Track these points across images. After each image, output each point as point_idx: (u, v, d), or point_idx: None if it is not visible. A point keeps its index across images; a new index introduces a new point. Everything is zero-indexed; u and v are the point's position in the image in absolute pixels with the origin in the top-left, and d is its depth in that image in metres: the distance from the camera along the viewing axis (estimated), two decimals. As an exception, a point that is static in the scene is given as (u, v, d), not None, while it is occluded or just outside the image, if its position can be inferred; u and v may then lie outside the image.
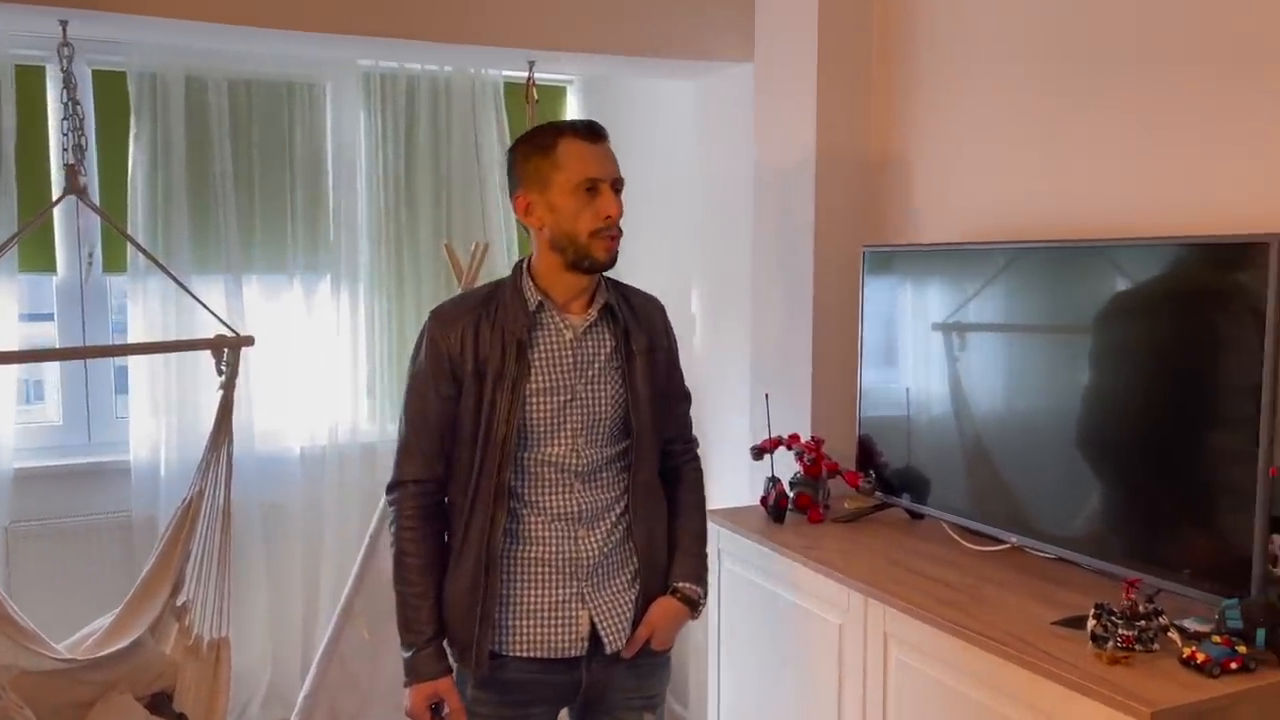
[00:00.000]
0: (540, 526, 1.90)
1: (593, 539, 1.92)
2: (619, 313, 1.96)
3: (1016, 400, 2.25)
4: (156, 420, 3.41)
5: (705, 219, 3.52)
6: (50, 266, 3.37)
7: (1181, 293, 1.92)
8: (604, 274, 1.97)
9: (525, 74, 3.32)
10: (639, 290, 2.08)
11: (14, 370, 3.31)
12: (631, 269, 3.97)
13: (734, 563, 2.59)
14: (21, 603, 2.90)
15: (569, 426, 1.90)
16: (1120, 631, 1.76)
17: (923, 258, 2.51)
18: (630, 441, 1.95)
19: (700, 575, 2.03)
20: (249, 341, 2.76)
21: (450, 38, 2.96)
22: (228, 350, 2.74)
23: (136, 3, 2.57)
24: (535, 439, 1.89)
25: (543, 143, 1.88)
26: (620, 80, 3.90)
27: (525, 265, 1.96)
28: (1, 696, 2.32)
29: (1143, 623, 1.76)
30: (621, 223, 1.90)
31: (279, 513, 3.57)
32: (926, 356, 2.49)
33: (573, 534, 1.91)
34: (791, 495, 2.60)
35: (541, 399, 1.88)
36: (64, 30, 2.58)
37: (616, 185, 1.90)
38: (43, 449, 3.41)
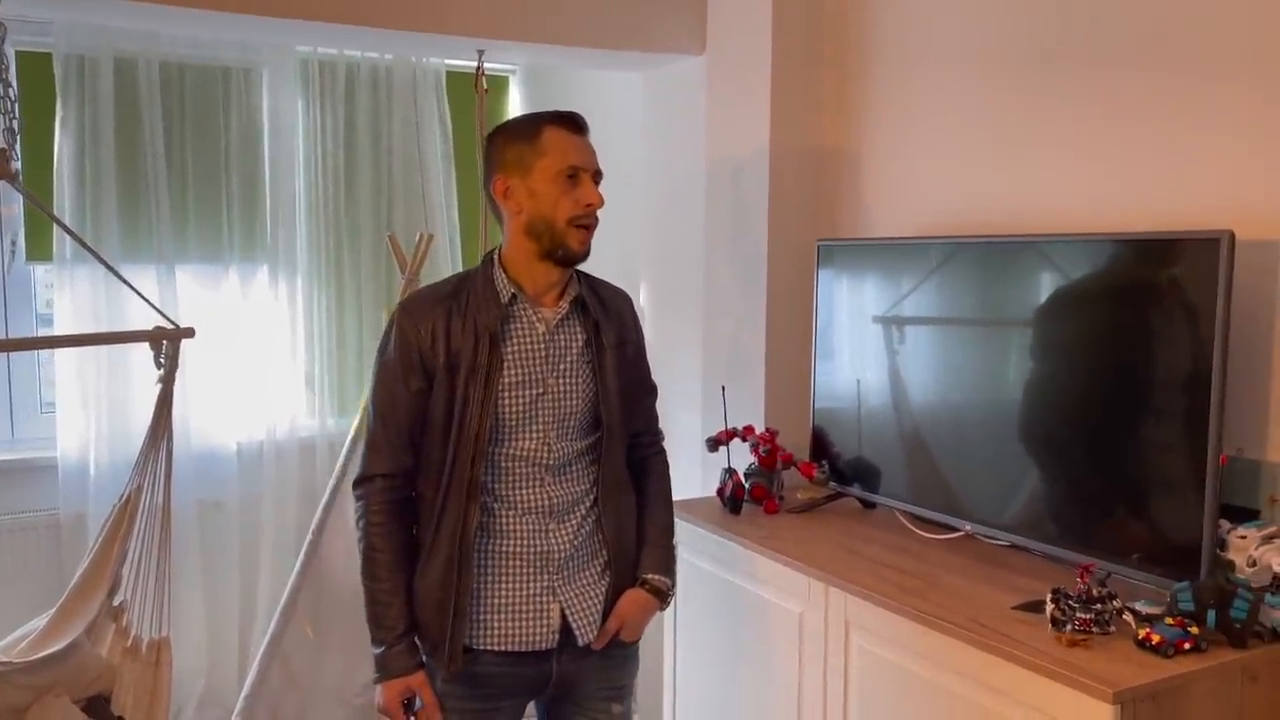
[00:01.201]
0: (511, 520, 1.89)
1: (563, 532, 1.91)
2: (590, 306, 1.95)
3: (967, 392, 2.30)
4: (86, 415, 3.28)
5: (653, 213, 3.53)
6: (-30, 255, 3.23)
7: (1134, 287, 1.98)
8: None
9: (468, 63, 3.28)
10: (607, 283, 2.08)
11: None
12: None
13: (691, 554, 2.60)
14: (-55, 606, 2.79)
15: (540, 420, 1.89)
16: (1078, 615, 1.81)
17: (875, 251, 2.55)
18: (600, 435, 1.95)
19: (668, 566, 2.04)
20: (189, 333, 2.68)
21: (396, 24, 2.91)
22: (167, 343, 2.66)
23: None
24: (507, 433, 1.88)
25: (526, 130, 1.88)
26: (564, 71, 3.87)
27: (496, 256, 1.94)
28: (-67, 703, 2.22)
29: (1099, 606, 1.82)
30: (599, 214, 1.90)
31: (216, 510, 3.47)
32: (877, 349, 2.53)
33: (543, 527, 1.90)
34: (747, 486, 2.62)
35: (514, 393, 1.87)
36: (-6, 9, 2.46)
37: (597, 177, 1.90)
38: (-37, 445, 3.27)
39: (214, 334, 3.42)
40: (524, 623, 1.88)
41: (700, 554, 2.57)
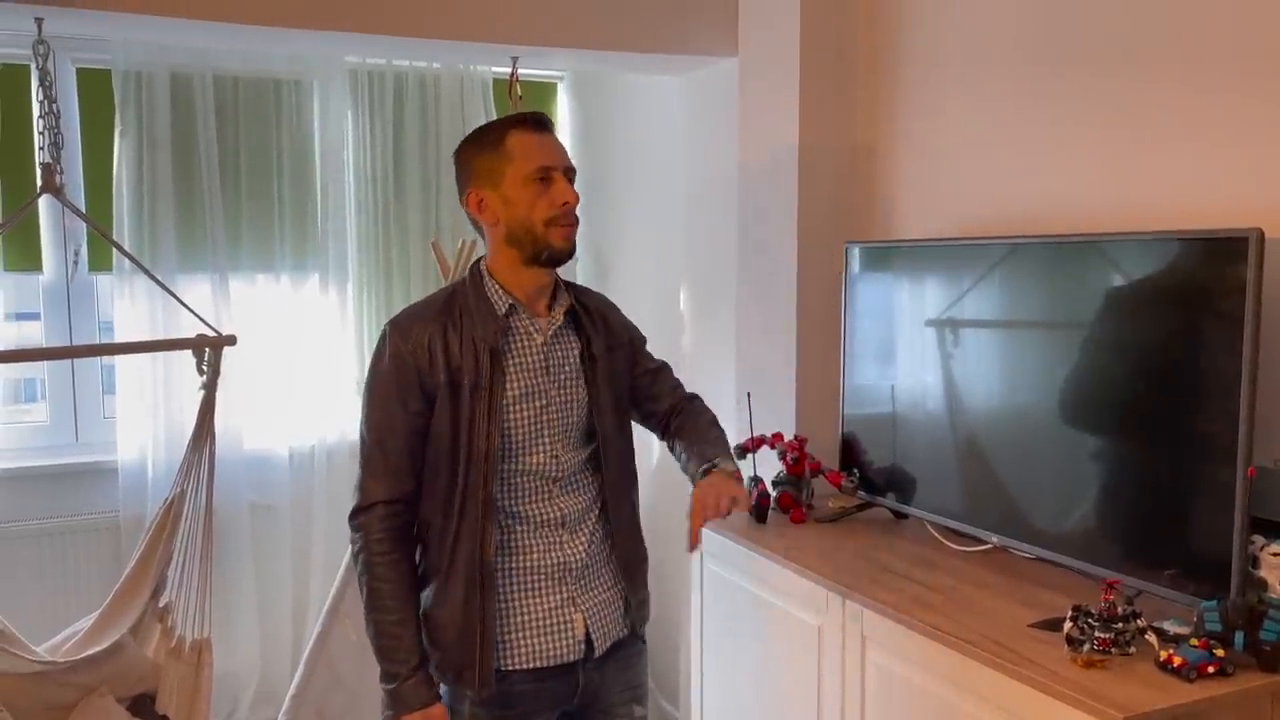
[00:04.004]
0: (526, 535, 1.86)
1: (577, 543, 1.89)
2: (581, 316, 1.93)
3: (996, 398, 2.22)
4: (145, 420, 3.39)
5: (694, 215, 3.50)
6: (36, 265, 3.36)
7: (1162, 288, 1.89)
8: (559, 275, 1.94)
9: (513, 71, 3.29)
10: (589, 289, 2.04)
11: (0, 369, 3.31)
12: (620, 266, 3.95)
13: (716, 563, 2.56)
14: (8, 604, 2.90)
15: (547, 433, 1.86)
16: (1097, 634, 1.72)
17: (905, 254, 2.48)
18: (596, 444, 1.92)
19: (724, 450, 1.95)
20: (230, 341, 2.74)
21: (435, 33, 2.94)
22: (209, 350, 2.72)
23: (114, -1, 2.55)
24: (516, 449, 1.84)
25: (491, 139, 1.84)
26: (610, 76, 3.87)
27: (483, 268, 1.91)
28: (-22, 699, 2.31)
29: (1120, 625, 1.73)
30: (578, 211, 1.86)
31: (267, 513, 3.55)
32: (909, 354, 2.46)
33: (557, 539, 1.87)
34: (774, 495, 2.58)
35: (519, 406, 1.83)
36: (39, 27, 2.55)
37: (569, 174, 1.85)
38: (30, 449, 3.39)
39: (266, 340, 3.51)
40: (551, 637, 1.85)
41: (725, 563, 2.53)
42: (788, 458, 2.59)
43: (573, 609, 1.87)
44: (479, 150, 1.85)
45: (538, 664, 1.85)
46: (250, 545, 3.52)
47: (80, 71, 3.35)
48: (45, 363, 3.44)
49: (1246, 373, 1.71)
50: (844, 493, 2.58)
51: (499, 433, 1.80)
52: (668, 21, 3.05)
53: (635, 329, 2.08)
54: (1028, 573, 2.16)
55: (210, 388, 2.72)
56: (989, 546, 2.25)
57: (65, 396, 3.46)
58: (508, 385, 1.83)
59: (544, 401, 1.86)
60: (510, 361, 1.84)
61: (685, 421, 2.04)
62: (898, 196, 2.77)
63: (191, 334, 2.74)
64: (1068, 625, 1.76)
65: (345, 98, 3.60)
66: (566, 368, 1.89)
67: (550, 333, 1.89)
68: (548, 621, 1.86)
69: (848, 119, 2.84)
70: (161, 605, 2.71)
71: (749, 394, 2.69)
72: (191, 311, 2.77)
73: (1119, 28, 2.18)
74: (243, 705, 3.54)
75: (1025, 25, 2.39)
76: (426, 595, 1.87)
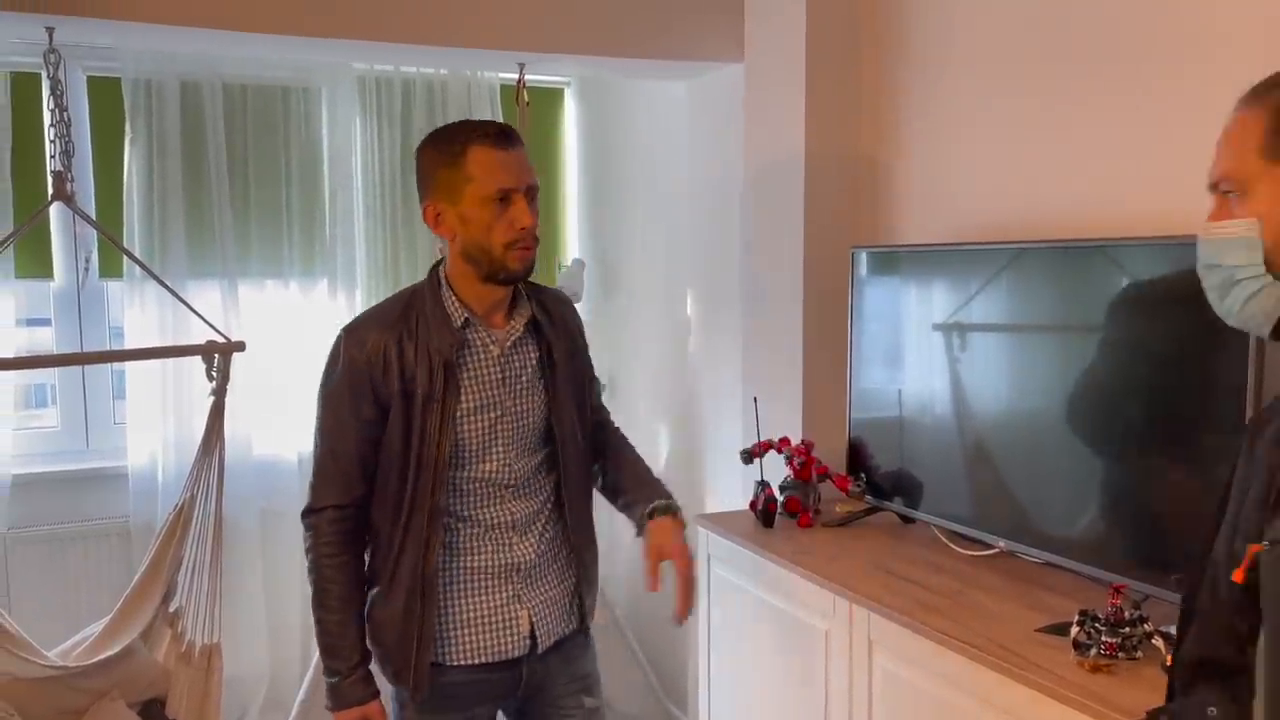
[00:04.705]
0: (474, 538, 1.89)
1: (527, 544, 1.91)
2: (543, 325, 1.93)
3: (1003, 403, 2.22)
4: (155, 426, 3.41)
5: (700, 221, 3.50)
6: (47, 272, 3.38)
7: (1168, 292, 1.89)
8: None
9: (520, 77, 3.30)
10: (548, 289, 2.04)
11: (12, 376, 3.32)
12: (626, 271, 3.95)
13: (723, 567, 2.57)
14: (19, 610, 2.91)
15: (500, 442, 1.88)
16: (1103, 639, 1.73)
17: (911, 259, 2.49)
18: (554, 447, 1.94)
19: (668, 493, 2.00)
20: (240, 347, 2.76)
21: (443, 41, 2.96)
22: (218, 356, 2.74)
23: (123, 8, 2.57)
24: (468, 458, 1.85)
25: (450, 150, 1.80)
26: (616, 82, 3.87)
27: (443, 275, 1.89)
28: (-10, 704, 2.32)
29: (1127, 629, 1.73)
30: (539, 231, 1.85)
31: (277, 519, 3.56)
32: (916, 358, 2.46)
33: (507, 541, 1.90)
34: (781, 499, 2.58)
35: (473, 419, 1.84)
36: (50, 36, 2.58)
37: (530, 193, 1.82)
38: (41, 455, 3.41)
39: (275, 345, 3.52)
40: (495, 634, 1.89)
41: (731, 567, 2.53)
42: (794, 462, 2.59)
43: (518, 606, 1.90)
44: (438, 161, 1.82)
45: (481, 660, 1.89)
46: (260, 551, 3.54)
47: (90, 80, 3.36)
48: (56, 369, 3.45)
49: (1253, 376, 1.71)
50: (851, 497, 2.59)
51: (449, 444, 1.81)
52: (674, 27, 3.06)
53: (584, 332, 2.09)
54: (1034, 577, 2.16)
55: (220, 393, 2.74)
56: (996, 551, 2.25)
57: (76, 402, 3.47)
58: (462, 398, 1.83)
59: (499, 412, 1.87)
60: (465, 375, 1.84)
61: (618, 452, 2.11)
62: (904, 201, 2.77)
63: (201, 340, 2.76)
64: (1074, 630, 1.76)
65: (353, 104, 3.61)
66: (524, 377, 1.90)
67: (508, 344, 1.89)
68: (493, 619, 1.89)
69: (853, 123, 2.85)
70: (172, 610, 2.72)
71: (755, 398, 2.69)
72: (201, 318, 2.78)
73: (1124, 33, 2.18)
74: (252, 711, 3.55)
75: (1030, 32, 2.39)
76: (371, 596, 1.90)
